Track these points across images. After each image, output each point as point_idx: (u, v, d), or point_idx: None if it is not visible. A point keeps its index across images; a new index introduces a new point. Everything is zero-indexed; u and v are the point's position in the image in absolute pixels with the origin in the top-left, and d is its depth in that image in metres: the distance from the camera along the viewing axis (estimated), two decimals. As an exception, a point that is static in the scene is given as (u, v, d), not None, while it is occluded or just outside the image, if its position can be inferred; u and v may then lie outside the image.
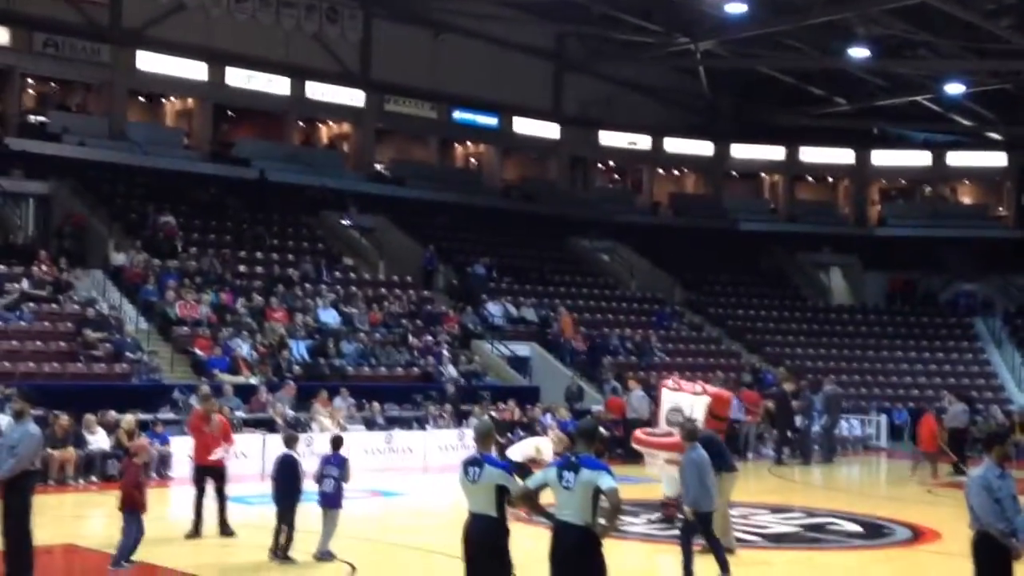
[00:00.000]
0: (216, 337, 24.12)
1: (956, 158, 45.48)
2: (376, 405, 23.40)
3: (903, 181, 47.85)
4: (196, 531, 13.62)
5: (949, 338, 38.04)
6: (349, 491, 12.97)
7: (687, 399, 15.90)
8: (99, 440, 18.99)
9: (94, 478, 18.58)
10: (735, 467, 14.03)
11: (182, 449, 19.46)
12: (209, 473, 13.75)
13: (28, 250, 25.58)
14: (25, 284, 23.74)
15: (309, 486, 12.79)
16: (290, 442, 13.16)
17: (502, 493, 8.04)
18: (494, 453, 8.78)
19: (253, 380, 22.92)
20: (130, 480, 11.73)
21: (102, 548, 12.37)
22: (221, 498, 13.75)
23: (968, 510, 8.34)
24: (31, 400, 11.25)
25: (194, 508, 13.68)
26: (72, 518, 15.82)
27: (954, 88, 38.88)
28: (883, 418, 30.82)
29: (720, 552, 11.66)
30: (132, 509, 11.51)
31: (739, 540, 13.68)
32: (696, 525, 11.61)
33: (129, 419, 19.27)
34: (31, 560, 10.53)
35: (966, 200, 48.09)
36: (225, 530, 13.67)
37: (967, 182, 47.75)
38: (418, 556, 13.30)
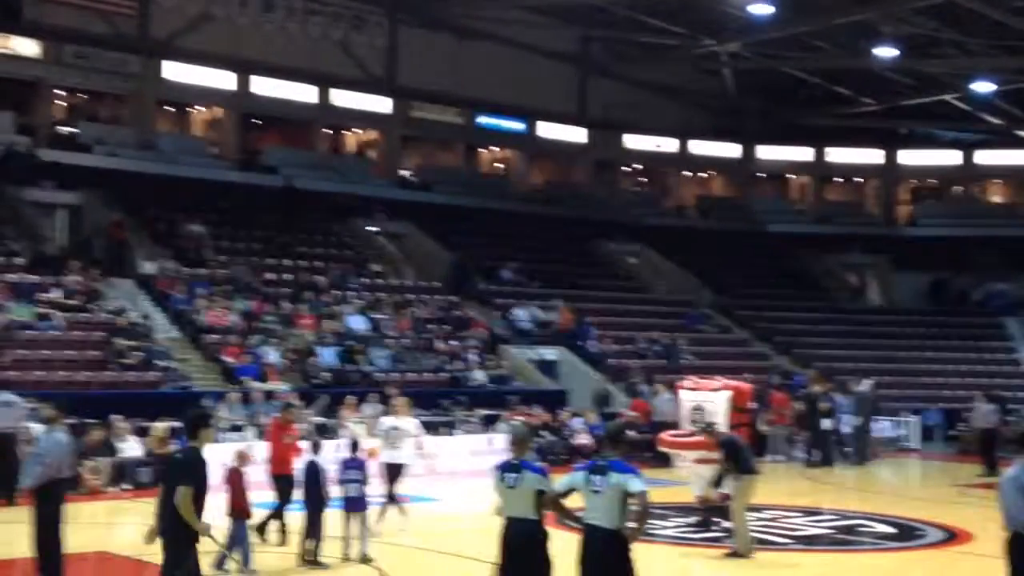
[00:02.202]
0: (245, 345, 24.26)
1: (986, 157, 45.12)
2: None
3: (933, 180, 47.47)
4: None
5: (980, 338, 37.69)
6: (377, 496, 12.96)
7: (708, 396, 15.86)
8: (130, 448, 19.14)
9: (125, 486, 18.71)
10: (756, 470, 13.96)
11: (210, 458, 19.56)
12: (280, 481, 13.82)
13: (59, 260, 25.83)
14: (56, 293, 23.97)
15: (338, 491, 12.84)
16: (315, 448, 13.20)
17: (541, 496, 8.07)
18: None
19: (282, 387, 23.02)
20: (237, 488, 11.86)
21: (135, 556, 12.44)
22: (277, 505, 13.82)
23: (1001, 511, 8.26)
24: (62, 409, 11.31)
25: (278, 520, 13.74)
26: (105, 526, 15.94)
27: (983, 86, 38.55)
28: (915, 419, 30.55)
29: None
30: (239, 516, 11.67)
31: (770, 543, 13.62)
32: None
33: (160, 426, 19.38)
34: (61, 569, 10.56)
35: (996, 199, 47.68)
36: (260, 532, 13.70)
37: (997, 181, 47.36)
38: (448, 561, 13.31)
